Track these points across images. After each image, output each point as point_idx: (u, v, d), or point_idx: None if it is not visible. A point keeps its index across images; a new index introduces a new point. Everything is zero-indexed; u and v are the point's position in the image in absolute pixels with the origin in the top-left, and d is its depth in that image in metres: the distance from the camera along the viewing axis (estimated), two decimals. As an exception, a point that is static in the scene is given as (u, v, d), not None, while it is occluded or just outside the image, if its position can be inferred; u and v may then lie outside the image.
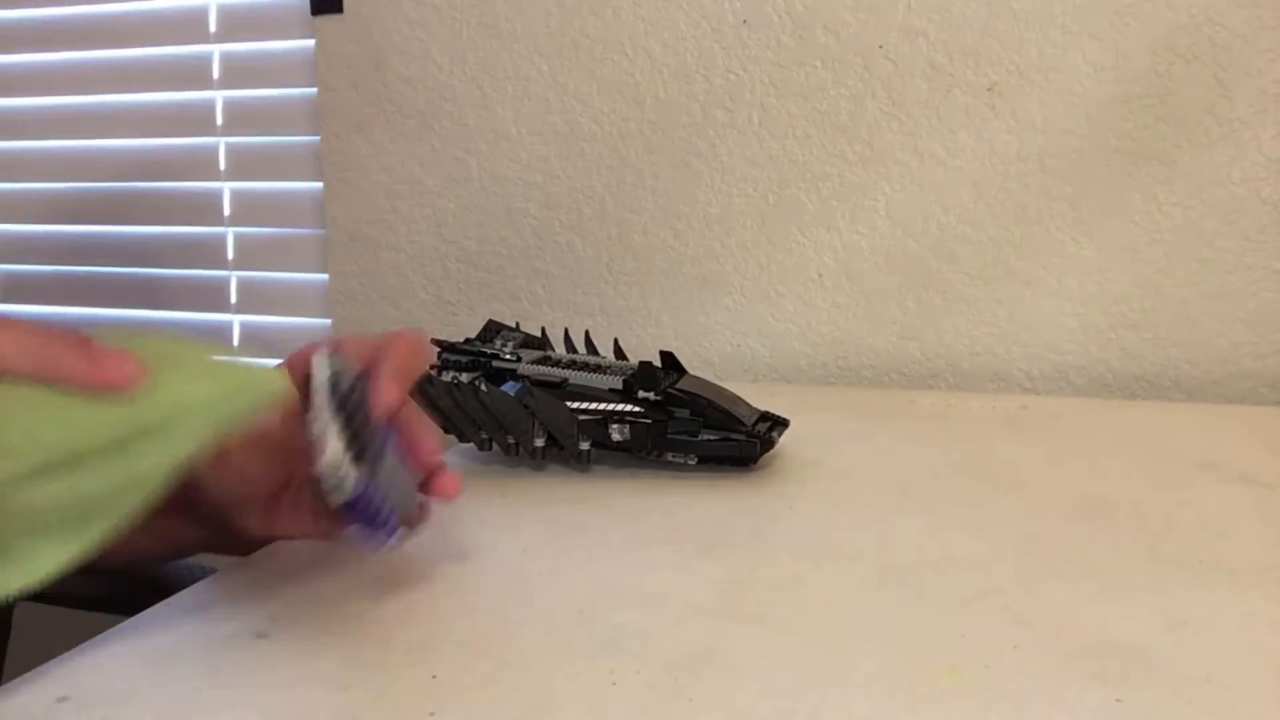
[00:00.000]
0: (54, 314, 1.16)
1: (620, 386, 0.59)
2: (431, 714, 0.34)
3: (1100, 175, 0.78)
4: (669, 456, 0.59)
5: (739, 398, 0.62)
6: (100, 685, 0.37)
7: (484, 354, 0.62)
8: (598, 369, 0.61)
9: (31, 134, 1.16)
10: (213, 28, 1.05)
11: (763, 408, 0.62)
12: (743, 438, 0.58)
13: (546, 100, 0.92)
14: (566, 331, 0.69)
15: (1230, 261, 0.77)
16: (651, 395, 0.58)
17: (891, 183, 0.83)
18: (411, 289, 1.00)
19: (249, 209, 1.08)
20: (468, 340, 0.65)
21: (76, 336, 0.33)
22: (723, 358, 0.90)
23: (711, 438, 0.58)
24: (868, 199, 0.84)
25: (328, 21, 0.98)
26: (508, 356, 0.62)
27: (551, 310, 0.95)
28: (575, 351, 0.67)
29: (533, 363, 0.62)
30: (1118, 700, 0.34)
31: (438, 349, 0.64)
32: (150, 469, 0.34)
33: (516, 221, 0.95)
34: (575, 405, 0.58)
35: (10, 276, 1.20)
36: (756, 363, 0.90)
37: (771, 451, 0.60)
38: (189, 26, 1.06)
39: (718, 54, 0.86)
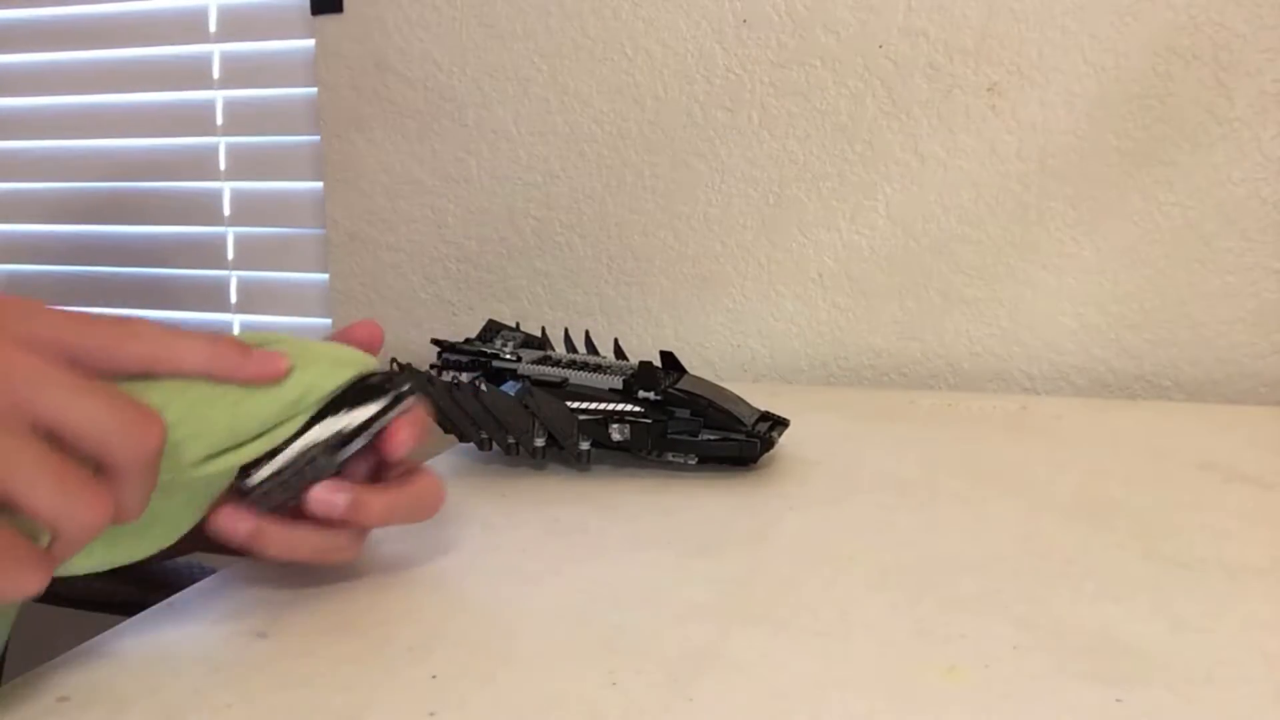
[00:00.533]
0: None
1: (620, 386, 0.59)
2: (431, 714, 0.34)
3: (1100, 175, 0.79)
4: (669, 456, 0.59)
5: (739, 398, 0.62)
6: (100, 685, 0.37)
7: (484, 354, 0.62)
8: (598, 369, 0.61)
9: (31, 134, 1.16)
10: (213, 28, 1.05)
11: (763, 408, 0.62)
12: (743, 438, 0.58)
13: (546, 100, 0.92)
14: (566, 331, 0.69)
15: (1230, 261, 0.77)
16: (651, 395, 0.58)
17: (891, 183, 0.83)
18: (411, 289, 1.00)
19: (249, 209, 1.08)
20: (468, 340, 0.65)
21: (232, 339, 0.39)
22: (723, 358, 0.91)
23: (711, 438, 0.58)
24: (868, 199, 0.84)
25: (328, 21, 0.98)
26: (508, 356, 0.62)
27: (551, 310, 0.95)
28: (575, 351, 0.67)
29: (533, 363, 0.62)
30: (1118, 700, 0.34)
31: (438, 349, 0.64)
32: (277, 441, 0.40)
33: (516, 221, 0.95)
34: (575, 405, 0.58)
35: (11, 276, 1.20)
36: (756, 363, 0.90)
37: (771, 451, 0.60)
38: (189, 26, 1.06)
39: (718, 54, 0.86)
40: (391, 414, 0.42)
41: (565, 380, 0.60)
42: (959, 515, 0.52)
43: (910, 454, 0.63)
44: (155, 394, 0.36)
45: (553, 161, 0.93)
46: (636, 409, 0.58)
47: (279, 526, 0.41)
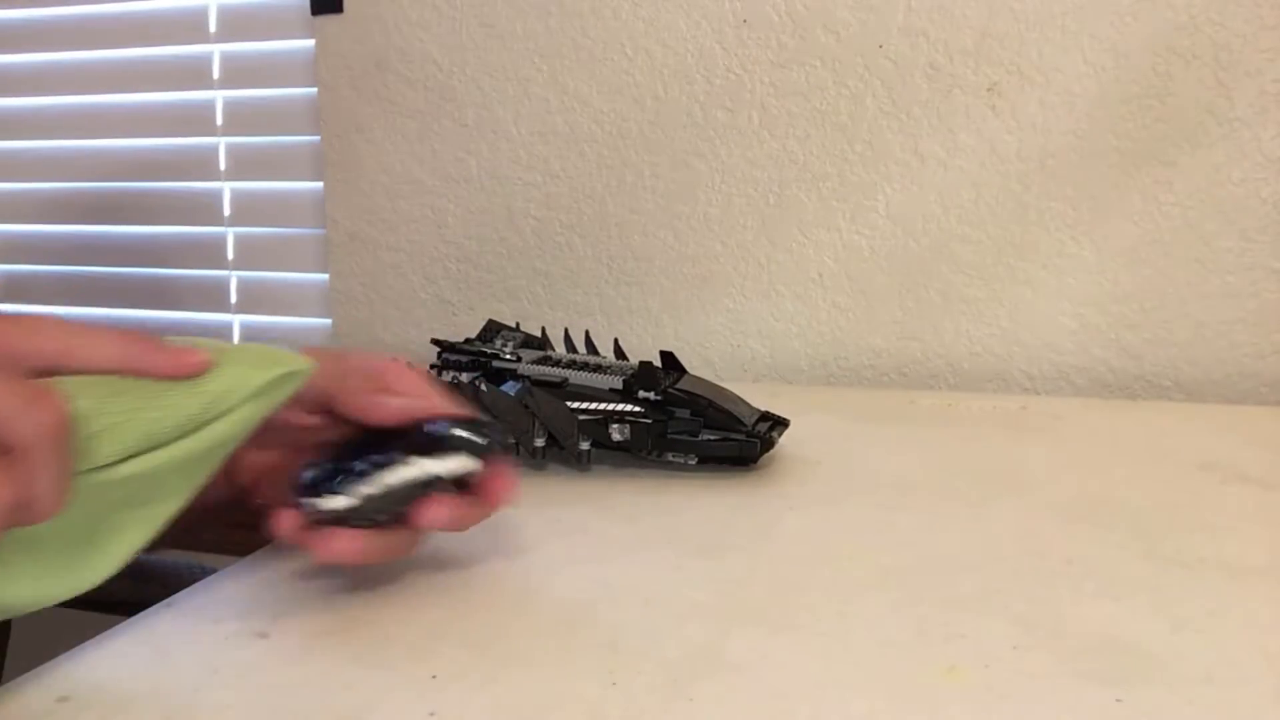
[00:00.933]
0: (55, 314, 1.16)
1: (620, 386, 0.59)
2: (431, 714, 0.34)
3: (1100, 175, 0.78)
4: (669, 456, 0.59)
5: (739, 398, 0.62)
6: (100, 685, 0.37)
7: (484, 354, 0.62)
8: (598, 369, 0.61)
9: (31, 134, 1.16)
10: (213, 28, 1.05)
11: (763, 408, 0.62)
12: (743, 438, 0.58)
13: (546, 100, 0.92)
14: (566, 331, 0.69)
15: (1230, 261, 0.77)
16: (651, 395, 0.58)
17: (891, 183, 0.83)
18: (411, 289, 1.00)
19: (249, 209, 1.08)
20: (468, 340, 0.65)
21: (147, 335, 0.37)
22: (723, 358, 0.91)
23: (711, 438, 0.58)
24: (868, 199, 0.84)
25: (328, 21, 0.98)
26: (508, 356, 0.62)
27: (551, 310, 0.95)
28: (575, 351, 0.67)
29: (533, 363, 0.62)
30: (1118, 700, 0.34)
31: (438, 349, 0.64)
32: (214, 445, 0.38)
33: (516, 221, 0.95)
34: (575, 405, 0.58)
35: (10, 276, 1.20)
36: (756, 363, 0.90)
37: (771, 451, 0.60)
38: (189, 26, 1.06)
39: (718, 54, 0.86)
40: (476, 470, 0.43)
41: (565, 380, 0.60)
42: (959, 515, 0.52)
43: (910, 454, 0.63)
44: (61, 388, 0.34)
45: (553, 161, 0.93)
46: (636, 409, 0.58)
47: (369, 536, 0.42)
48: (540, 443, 0.59)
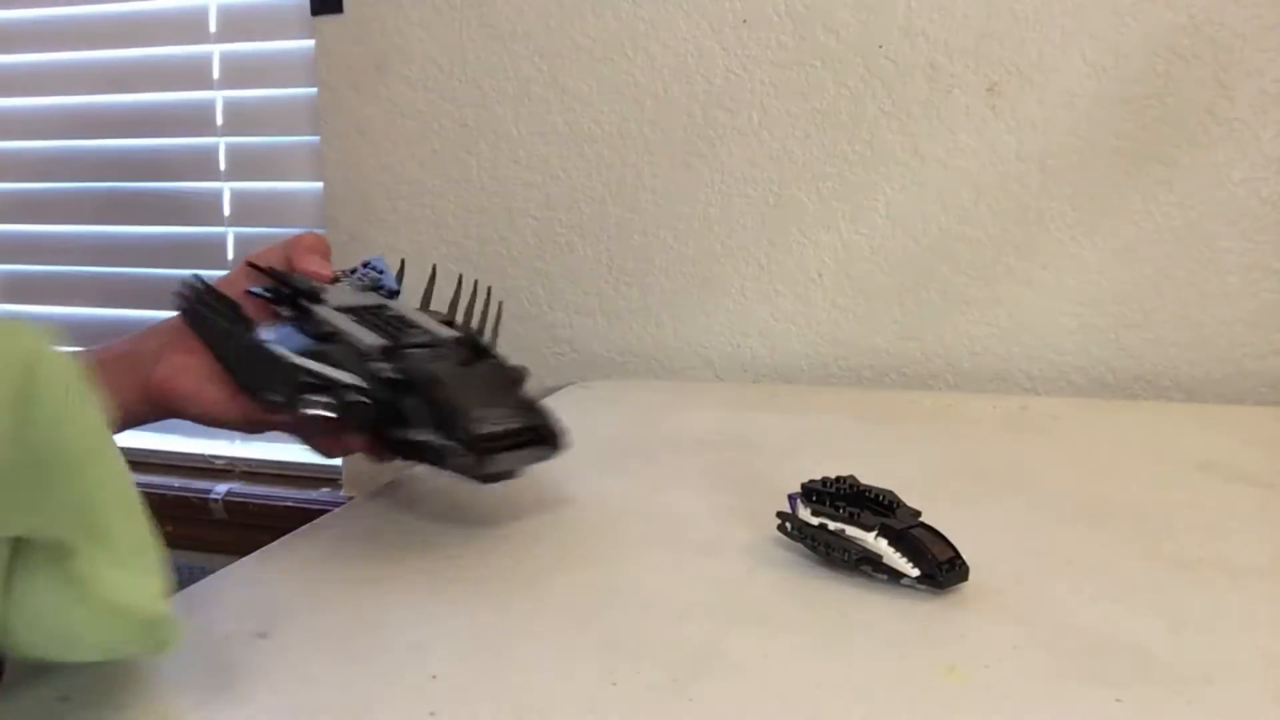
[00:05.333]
0: (54, 314, 1.16)
1: (379, 348, 0.47)
2: (431, 714, 0.34)
3: (1100, 175, 0.78)
4: (403, 435, 0.47)
5: (514, 376, 0.49)
6: (100, 685, 0.37)
7: (291, 284, 0.53)
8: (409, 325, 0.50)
9: (32, 134, 1.16)
10: (213, 28, 1.05)
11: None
12: (454, 443, 0.44)
13: (546, 100, 0.92)
14: (403, 263, 0.64)
15: (1230, 261, 0.77)
16: (388, 370, 0.46)
17: (891, 183, 0.83)
18: (411, 289, 1.00)
19: (249, 209, 1.08)
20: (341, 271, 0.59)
21: None
22: (723, 358, 0.91)
23: (429, 438, 0.45)
24: (868, 199, 0.84)
25: (328, 21, 0.98)
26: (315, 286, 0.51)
27: (551, 310, 0.95)
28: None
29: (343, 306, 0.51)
30: (1118, 700, 0.34)
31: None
32: None
33: (516, 221, 0.95)
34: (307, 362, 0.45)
35: (10, 276, 1.20)
36: (756, 363, 0.90)
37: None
38: (189, 26, 1.06)
39: (718, 54, 0.86)
40: None
41: (335, 332, 0.49)
42: (959, 515, 0.52)
43: (910, 454, 0.63)
44: None
45: (553, 161, 0.93)
46: (364, 385, 0.45)
47: None
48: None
